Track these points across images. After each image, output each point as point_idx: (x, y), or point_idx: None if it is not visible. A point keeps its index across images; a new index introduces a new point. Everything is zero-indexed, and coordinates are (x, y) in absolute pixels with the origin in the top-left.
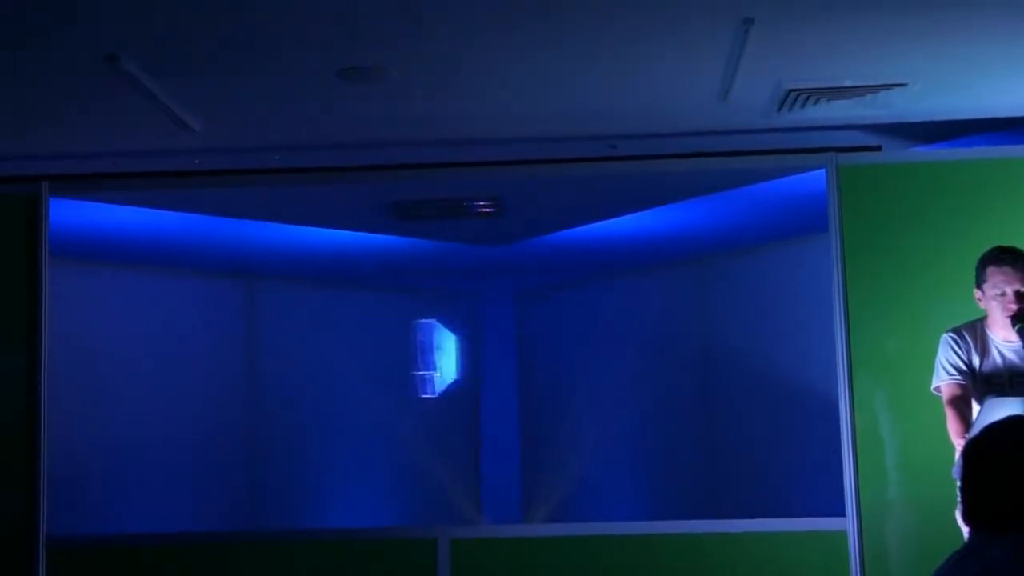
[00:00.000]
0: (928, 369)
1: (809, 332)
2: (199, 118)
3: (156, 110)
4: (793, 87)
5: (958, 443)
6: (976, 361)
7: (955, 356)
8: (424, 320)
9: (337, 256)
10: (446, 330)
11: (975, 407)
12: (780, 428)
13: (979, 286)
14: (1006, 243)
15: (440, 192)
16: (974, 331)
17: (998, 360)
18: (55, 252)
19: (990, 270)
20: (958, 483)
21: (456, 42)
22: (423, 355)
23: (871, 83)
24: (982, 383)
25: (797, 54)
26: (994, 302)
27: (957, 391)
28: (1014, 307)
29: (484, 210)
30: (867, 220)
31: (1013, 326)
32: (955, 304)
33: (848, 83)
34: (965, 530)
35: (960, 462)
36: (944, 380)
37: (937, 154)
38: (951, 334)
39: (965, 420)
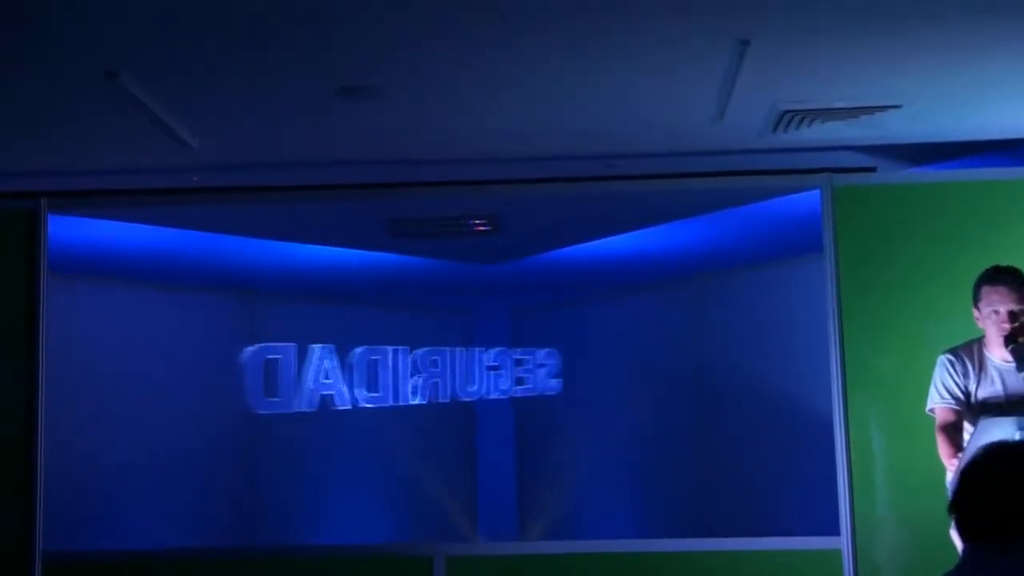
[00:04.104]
0: (922, 388)
1: (804, 351)
2: (197, 135)
3: (154, 127)
4: (789, 108)
5: (949, 465)
6: (973, 383)
7: (950, 380)
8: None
9: (334, 273)
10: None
11: (969, 431)
12: (775, 447)
13: (976, 305)
14: (1001, 264)
15: (437, 210)
16: (971, 352)
17: (995, 380)
18: (53, 268)
19: (985, 289)
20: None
21: (453, 61)
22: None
23: (866, 104)
24: (979, 403)
25: (793, 75)
26: (989, 321)
27: (950, 417)
28: (1008, 327)
29: (480, 228)
30: (861, 240)
31: (1006, 346)
32: (949, 324)
33: (843, 104)
34: (959, 547)
35: (955, 480)
36: (938, 403)
37: (931, 175)
38: (948, 356)
39: (955, 446)
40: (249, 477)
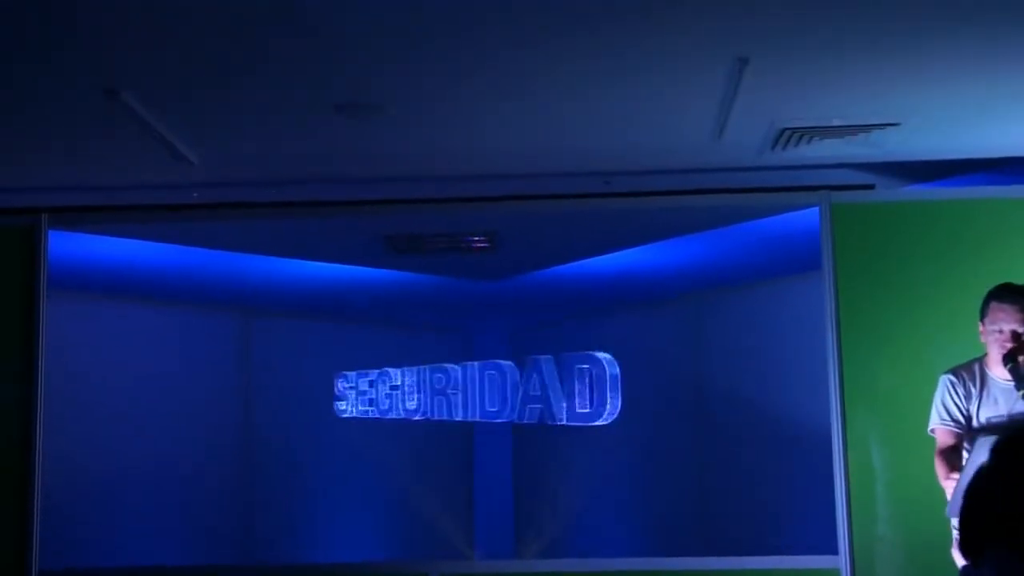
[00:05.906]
0: (921, 406)
1: (802, 369)
2: (197, 152)
3: (155, 144)
4: (787, 126)
5: (946, 485)
6: (975, 404)
7: (951, 401)
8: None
9: (333, 290)
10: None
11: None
12: (774, 465)
13: (982, 320)
14: (998, 282)
15: (435, 227)
16: (973, 371)
17: (997, 399)
18: (53, 284)
19: (992, 306)
20: (953, 521)
21: (452, 79)
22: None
23: (864, 122)
24: (981, 424)
25: (791, 93)
26: (992, 339)
27: (949, 439)
28: (1008, 346)
29: (479, 245)
30: (860, 258)
31: (1005, 365)
32: (947, 342)
33: (841, 122)
34: (960, 565)
35: (954, 500)
36: (938, 425)
37: (929, 193)
38: (950, 376)
39: (953, 468)
40: (245, 494)
